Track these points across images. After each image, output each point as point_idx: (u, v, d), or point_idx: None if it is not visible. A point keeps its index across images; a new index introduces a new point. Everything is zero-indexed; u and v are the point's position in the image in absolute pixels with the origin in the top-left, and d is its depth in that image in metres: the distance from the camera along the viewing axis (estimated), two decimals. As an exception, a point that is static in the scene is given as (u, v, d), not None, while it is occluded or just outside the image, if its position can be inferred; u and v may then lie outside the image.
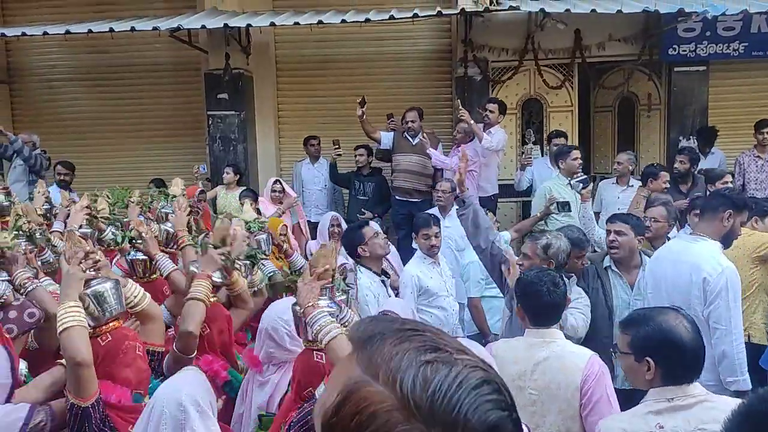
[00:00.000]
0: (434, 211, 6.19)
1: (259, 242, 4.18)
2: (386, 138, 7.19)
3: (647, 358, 2.09)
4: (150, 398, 2.01)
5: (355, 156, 7.52)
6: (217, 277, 3.11)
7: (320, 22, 6.74)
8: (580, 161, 5.84)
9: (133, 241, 3.65)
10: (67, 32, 6.76)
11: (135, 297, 2.62)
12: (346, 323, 2.61)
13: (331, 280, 2.68)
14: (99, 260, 2.51)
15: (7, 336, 2.76)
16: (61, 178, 7.08)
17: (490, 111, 6.99)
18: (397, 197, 7.27)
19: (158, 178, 7.73)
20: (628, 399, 2.46)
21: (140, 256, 3.61)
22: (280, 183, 6.57)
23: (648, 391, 2.14)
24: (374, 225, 4.56)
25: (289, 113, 8.67)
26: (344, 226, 5.60)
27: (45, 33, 6.91)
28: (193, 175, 7.27)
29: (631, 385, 2.35)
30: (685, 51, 7.60)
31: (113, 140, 8.80)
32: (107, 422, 2.23)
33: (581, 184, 5.24)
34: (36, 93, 8.93)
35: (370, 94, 7.87)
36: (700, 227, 3.49)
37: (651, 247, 4.36)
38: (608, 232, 4.07)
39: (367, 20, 6.74)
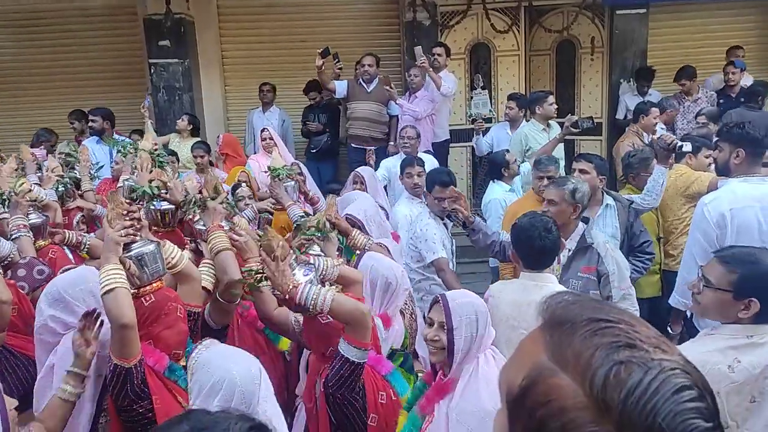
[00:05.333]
0: (398, 157, 6.22)
1: (286, 189, 4.25)
2: (341, 87, 7.09)
3: (752, 299, 2.19)
4: (197, 365, 1.97)
5: (309, 98, 7.69)
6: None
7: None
8: (556, 106, 6.11)
9: (159, 190, 3.59)
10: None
11: (173, 258, 2.60)
12: (328, 272, 2.68)
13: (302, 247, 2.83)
14: (141, 220, 2.47)
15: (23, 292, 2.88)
16: (90, 125, 6.81)
17: (438, 55, 7.09)
18: (353, 145, 7.25)
19: (79, 110, 7.33)
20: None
21: (165, 205, 3.59)
22: (268, 131, 6.42)
23: (722, 325, 2.28)
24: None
25: (234, 60, 8.38)
26: (305, 172, 5.58)
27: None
28: (141, 112, 6.93)
29: (701, 316, 2.45)
30: (626, -6, 7.81)
31: (44, 93, 8.29)
32: (145, 383, 2.24)
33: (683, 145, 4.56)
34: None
35: (316, 39, 7.80)
36: (759, 168, 3.50)
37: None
38: (573, 170, 4.33)
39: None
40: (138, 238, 2.44)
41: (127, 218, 2.42)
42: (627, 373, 0.73)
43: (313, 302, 2.35)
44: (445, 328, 2.29)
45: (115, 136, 6.88)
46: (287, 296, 2.38)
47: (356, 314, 2.39)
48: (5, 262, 3.17)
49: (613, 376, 0.73)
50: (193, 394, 1.96)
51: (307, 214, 3.83)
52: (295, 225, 3.79)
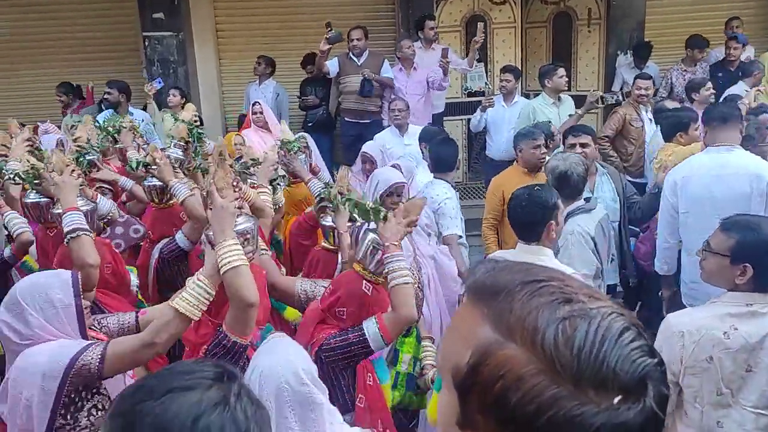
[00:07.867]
0: (390, 130, 6.24)
1: (301, 161, 4.19)
2: (332, 66, 7.04)
3: (746, 264, 2.26)
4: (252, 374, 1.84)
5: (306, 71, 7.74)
6: None
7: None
8: (566, 79, 6.13)
9: (148, 166, 3.55)
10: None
11: None
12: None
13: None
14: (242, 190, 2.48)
15: (117, 250, 2.96)
16: (105, 97, 6.69)
17: (433, 28, 7.21)
18: (346, 119, 7.23)
19: (68, 82, 7.37)
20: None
21: (155, 182, 3.53)
22: (260, 104, 6.33)
23: (725, 293, 2.35)
24: None
25: (229, 32, 8.28)
26: (312, 145, 5.45)
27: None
28: (146, 93, 6.89)
29: (706, 281, 2.51)
30: (625, -36, 7.70)
31: (36, 66, 8.17)
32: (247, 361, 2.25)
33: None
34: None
35: (311, 11, 7.74)
36: (729, 137, 3.53)
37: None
38: (572, 145, 4.27)
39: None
40: (242, 211, 2.44)
41: (236, 189, 2.41)
42: (573, 328, 0.74)
43: (392, 267, 2.41)
44: None
45: (130, 108, 6.80)
46: (386, 244, 2.46)
47: (409, 309, 2.40)
48: (105, 220, 3.25)
49: (561, 335, 0.73)
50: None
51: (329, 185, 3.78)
52: (318, 198, 3.72)
